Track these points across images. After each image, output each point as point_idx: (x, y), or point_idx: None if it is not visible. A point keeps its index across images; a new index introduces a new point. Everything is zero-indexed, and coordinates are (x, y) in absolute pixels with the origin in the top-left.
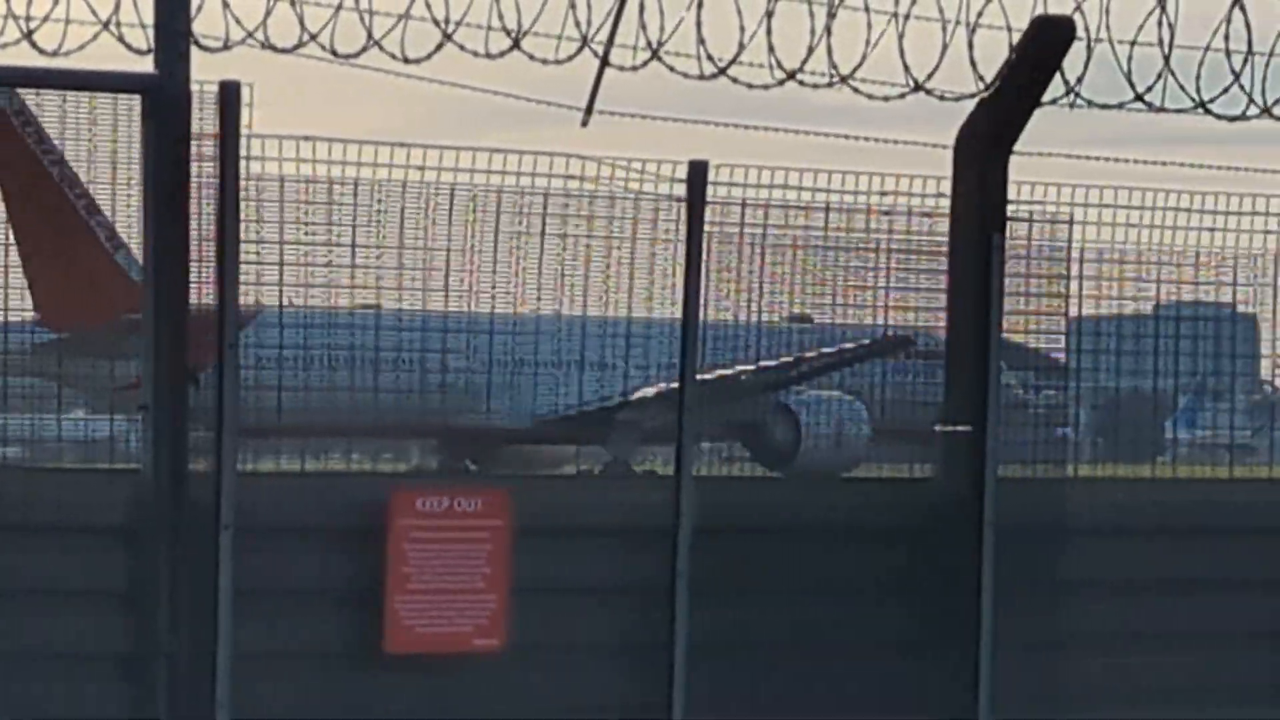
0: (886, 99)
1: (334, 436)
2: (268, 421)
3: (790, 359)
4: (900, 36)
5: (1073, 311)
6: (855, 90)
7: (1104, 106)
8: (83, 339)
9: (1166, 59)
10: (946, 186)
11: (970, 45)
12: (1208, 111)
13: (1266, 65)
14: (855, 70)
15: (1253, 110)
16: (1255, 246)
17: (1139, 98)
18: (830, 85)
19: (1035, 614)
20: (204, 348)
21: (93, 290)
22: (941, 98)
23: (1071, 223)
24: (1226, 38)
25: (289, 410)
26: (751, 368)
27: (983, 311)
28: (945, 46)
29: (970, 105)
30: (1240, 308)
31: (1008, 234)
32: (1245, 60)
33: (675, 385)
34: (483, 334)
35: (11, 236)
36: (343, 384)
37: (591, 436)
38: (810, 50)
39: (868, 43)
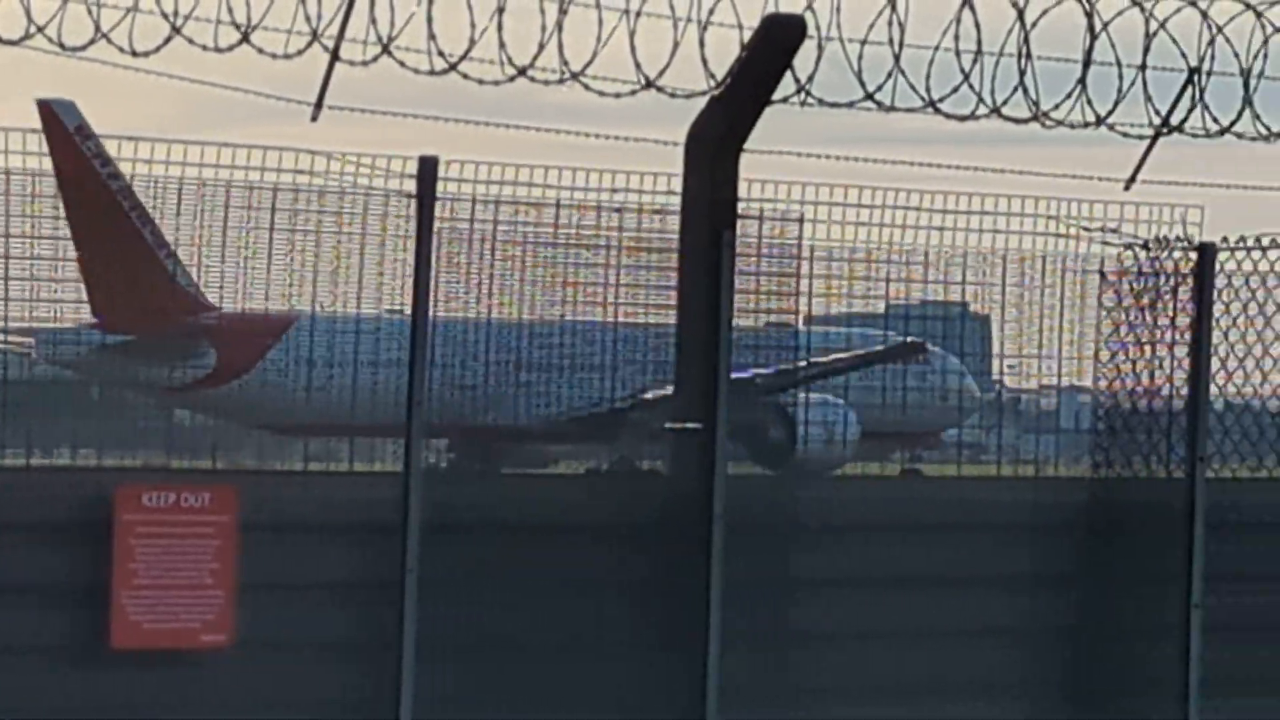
0: (618, 96)
1: (342, 436)
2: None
3: (804, 363)
4: (631, 34)
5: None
6: (586, 87)
7: (834, 105)
8: (149, 343)
9: (897, 58)
10: (678, 184)
11: (701, 43)
12: (938, 111)
13: (996, 65)
14: (586, 67)
15: (982, 110)
16: (984, 246)
17: (869, 96)
18: (561, 82)
19: (766, 611)
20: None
21: (148, 295)
22: (673, 95)
23: (802, 220)
24: (956, 38)
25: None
26: (763, 371)
27: (713, 308)
28: (676, 44)
29: (702, 103)
30: (975, 307)
31: (738, 231)
32: (975, 60)
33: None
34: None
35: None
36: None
37: (603, 436)
38: (541, 47)
39: (599, 40)
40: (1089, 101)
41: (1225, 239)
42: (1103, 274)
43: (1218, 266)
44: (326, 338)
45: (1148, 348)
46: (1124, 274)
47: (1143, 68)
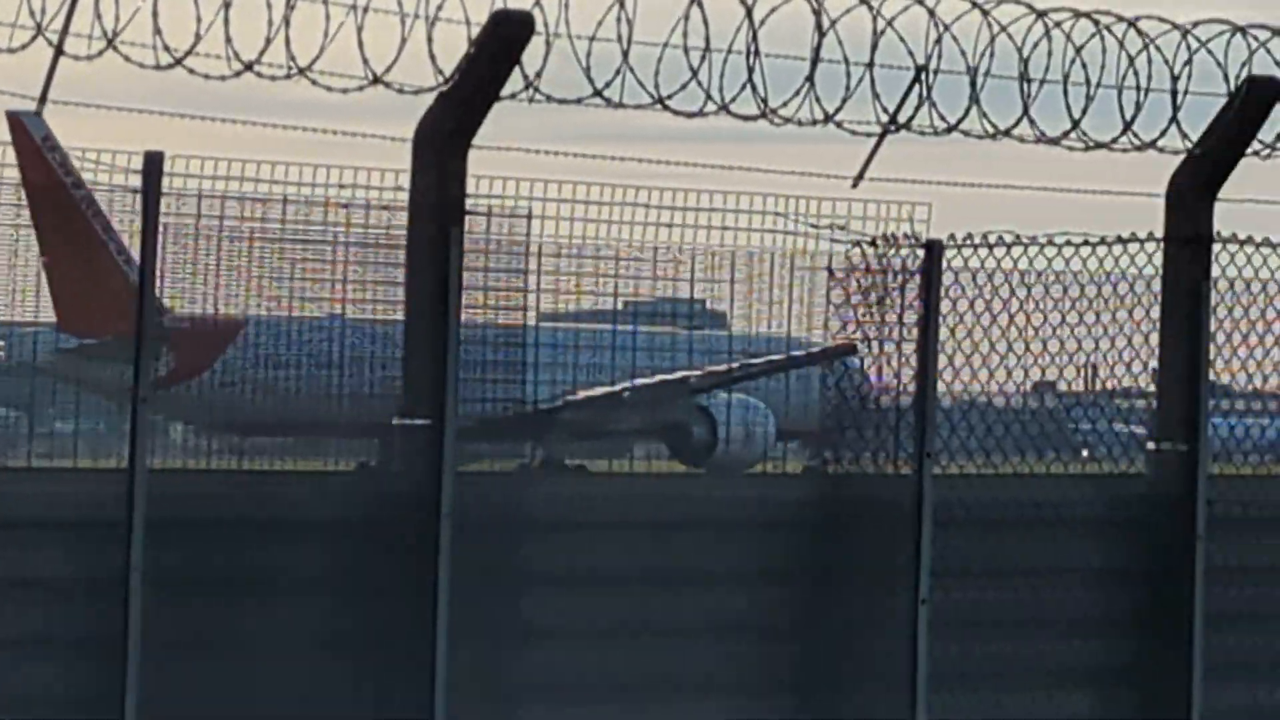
0: (345, 91)
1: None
2: None
3: (736, 365)
4: (359, 29)
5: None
6: (314, 83)
7: (563, 101)
8: (107, 345)
9: (625, 55)
10: (406, 180)
11: (429, 39)
12: (666, 108)
13: (724, 62)
14: (314, 62)
15: (711, 107)
16: (714, 243)
17: (598, 93)
18: (289, 77)
19: (496, 608)
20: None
21: (108, 300)
22: (401, 91)
23: (530, 217)
24: (685, 35)
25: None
26: (684, 375)
27: (441, 304)
28: (404, 40)
29: (430, 99)
30: (715, 305)
31: (467, 228)
32: (703, 57)
33: (609, 389)
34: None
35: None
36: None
37: (530, 435)
38: (268, 41)
39: (326, 34)
40: (817, 99)
41: (952, 236)
42: (831, 271)
43: (945, 264)
44: (277, 340)
45: (875, 345)
46: (852, 271)
47: (870, 65)
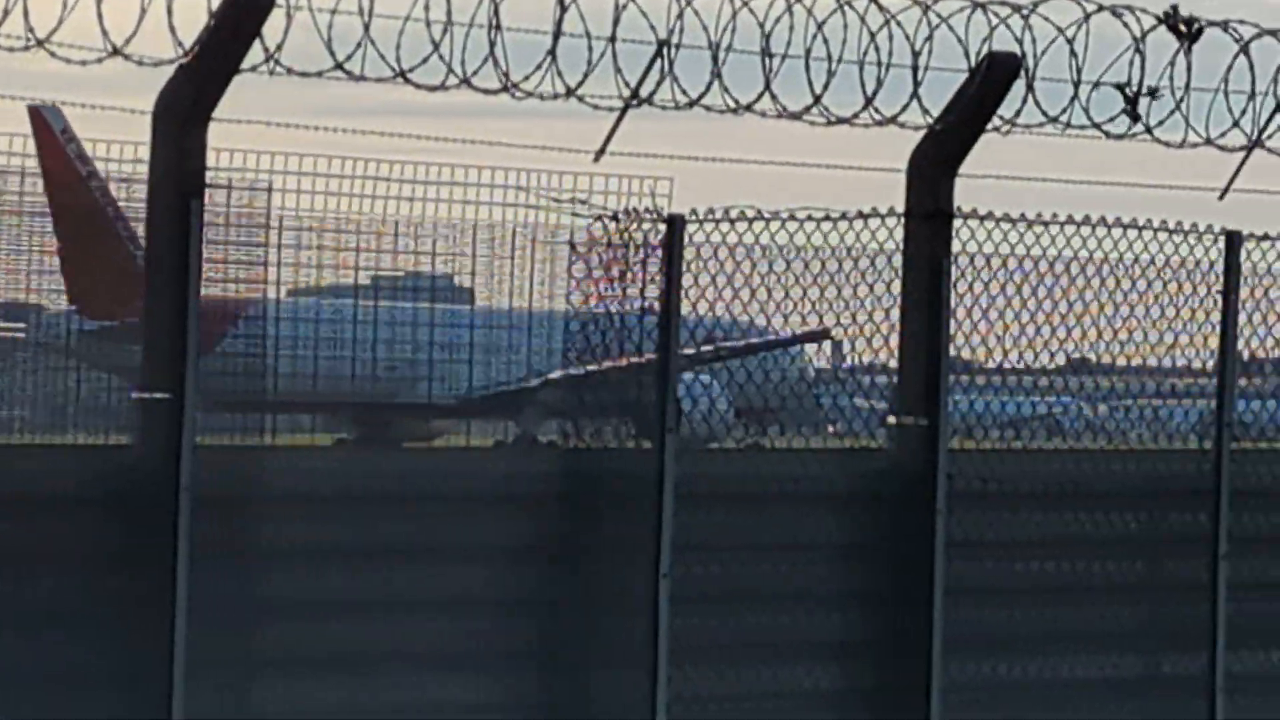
0: (84, 64)
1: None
2: None
3: (711, 346)
4: (98, 1)
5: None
6: (53, 54)
7: (303, 74)
8: (129, 329)
9: (366, 28)
10: (146, 153)
11: (169, 10)
12: (408, 81)
13: (466, 36)
14: (52, 34)
15: (452, 81)
16: (455, 217)
17: (339, 66)
18: (27, 49)
19: (234, 583)
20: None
21: (120, 284)
22: (140, 63)
23: (270, 190)
24: (426, 8)
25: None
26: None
27: (182, 280)
28: (144, 11)
29: (170, 71)
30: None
31: (207, 200)
32: (445, 31)
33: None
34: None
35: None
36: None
37: (507, 413)
38: (6, 13)
39: (65, 6)
40: (559, 74)
41: (694, 211)
42: (573, 245)
43: (687, 238)
44: (273, 323)
45: (618, 319)
46: (594, 246)
47: (613, 40)
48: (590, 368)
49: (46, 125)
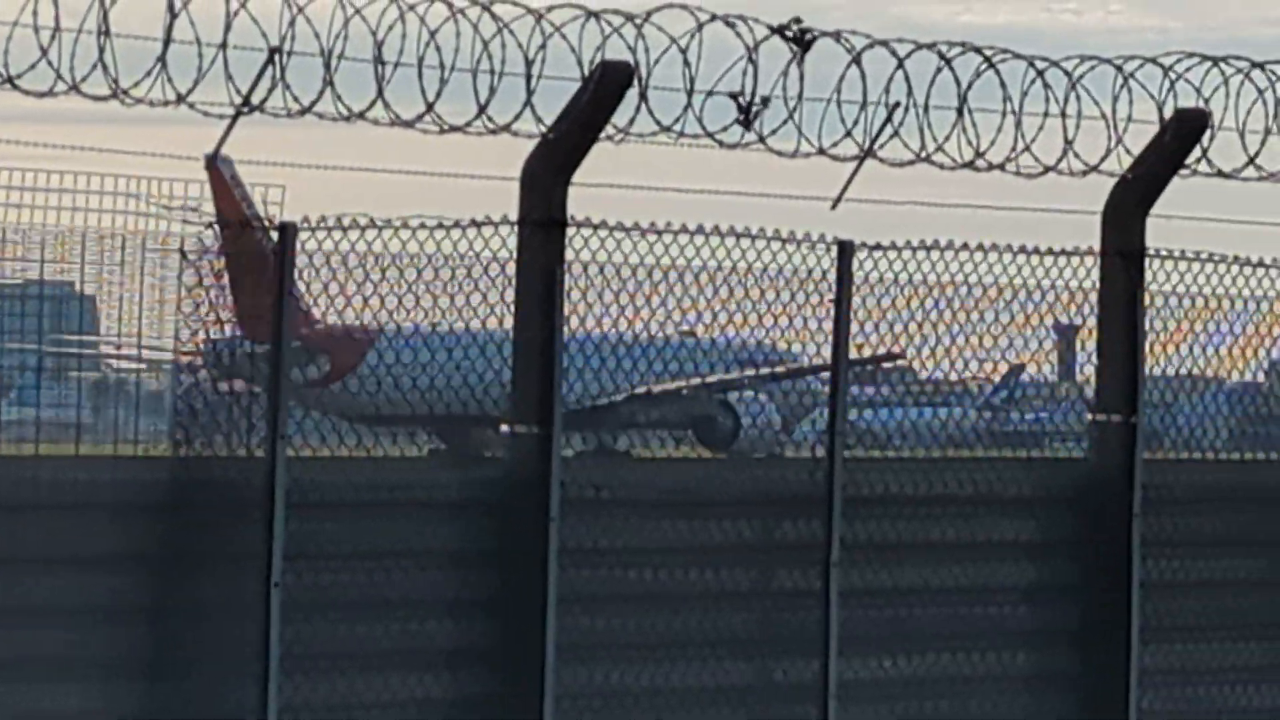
0: None
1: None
2: None
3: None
4: None
5: None
6: None
7: None
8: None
9: None
10: None
11: None
12: (15, 87)
13: (75, 42)
14: None
15: (61, 87)
16: (64, 224)
17: None
18: None
19: None
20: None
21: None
22: None
23: None
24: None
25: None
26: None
27: None
28: None
29: None
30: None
31: None
32: (53, 37)
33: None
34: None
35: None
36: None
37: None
38: None
39: None
40: (170, 80)
41: (306, 219)
42: (184, 253)
43: (299, 246)
44: (405, 348)
45: (228, 326)
46: (205, 253)
47: (224, 46)
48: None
49: (220, 174)
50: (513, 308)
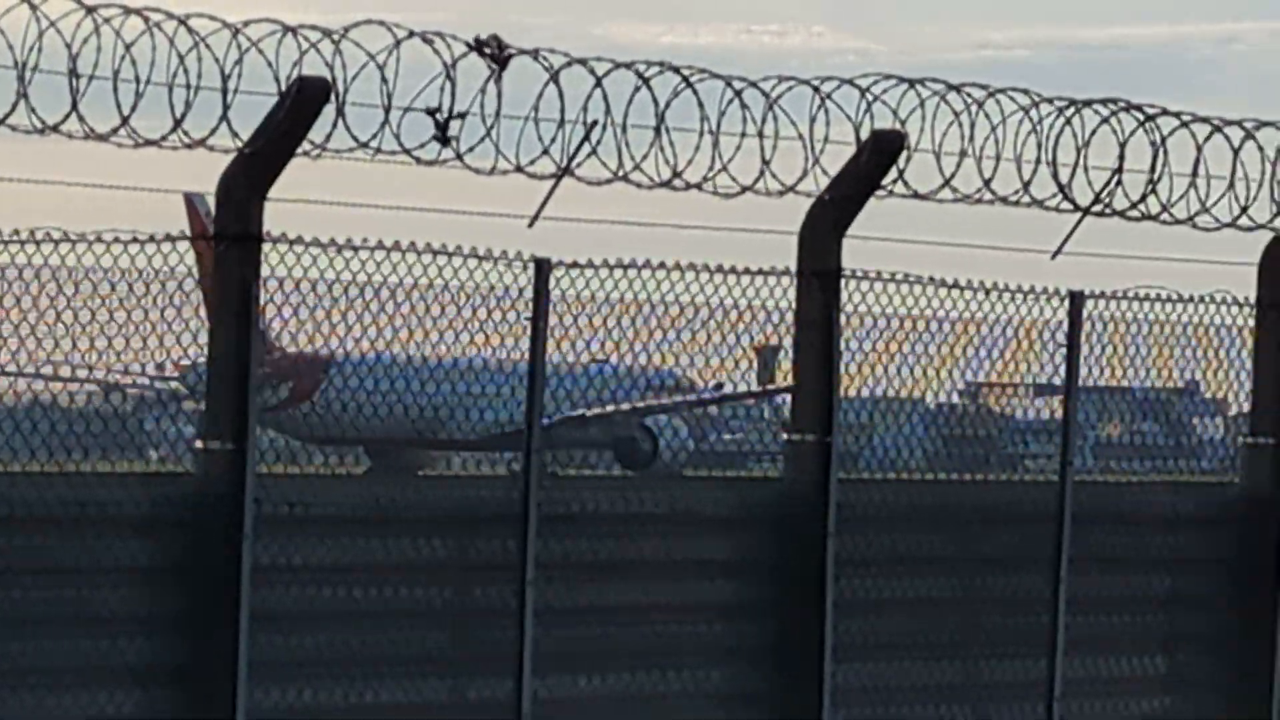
0: None
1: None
2: None
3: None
4: None
5: None
6: None
7: None
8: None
9: None
10: None
11: None
12: None
13: None
14: None
15: None
16: None
17: None
18: None
19: None
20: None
21: None
22: None
23: None
24: None
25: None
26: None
27: None
28: None
29: None
30: None
31: None
32: None
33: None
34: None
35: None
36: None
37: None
38: None
39: None
40: None
41: None
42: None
43: None
44: (353, 373)
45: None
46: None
47: None
48: None
49: (196, 212)
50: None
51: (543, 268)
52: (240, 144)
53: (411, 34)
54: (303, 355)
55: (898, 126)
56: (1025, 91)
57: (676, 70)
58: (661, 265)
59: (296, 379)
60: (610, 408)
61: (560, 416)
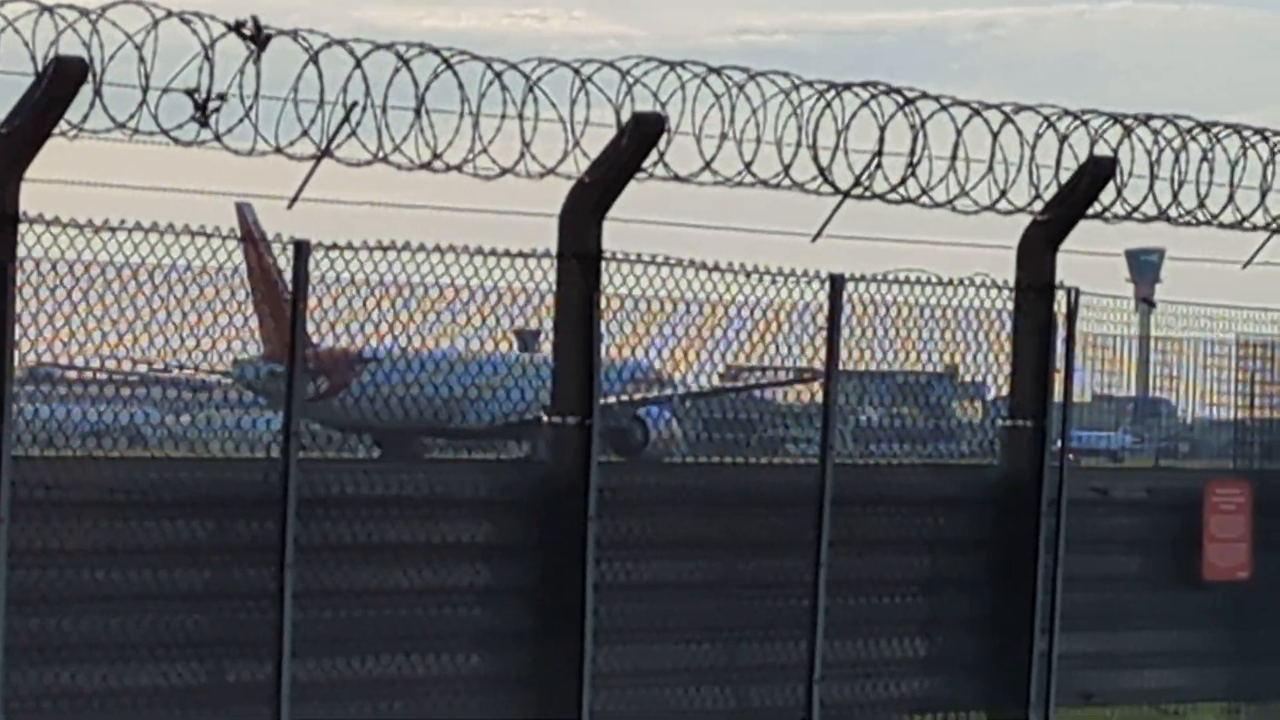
0: None
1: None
2: None
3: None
4: None
5: None
6: None
7: None
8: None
9: None
10: None
11: None
12: None
13: None
14: None
15: None
16: None
17: None
18: None
19: None
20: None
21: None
22: None
23: None
24: None
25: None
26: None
27: None
28: None
29: None
30: None
31: None
32: None
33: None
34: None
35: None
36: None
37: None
38: None
39: None
40: None
41: None
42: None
43: None
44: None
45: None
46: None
47: None
48: None
49: (245, 219)
50: None
51: (302, 249)
52: None
53: (170, 14)
54: (333, 350)
55: (658, 109)
56: (786, 75)
57: (436, 52)
58: (421, 247)
59: (331, 373)
60: (612, 399)
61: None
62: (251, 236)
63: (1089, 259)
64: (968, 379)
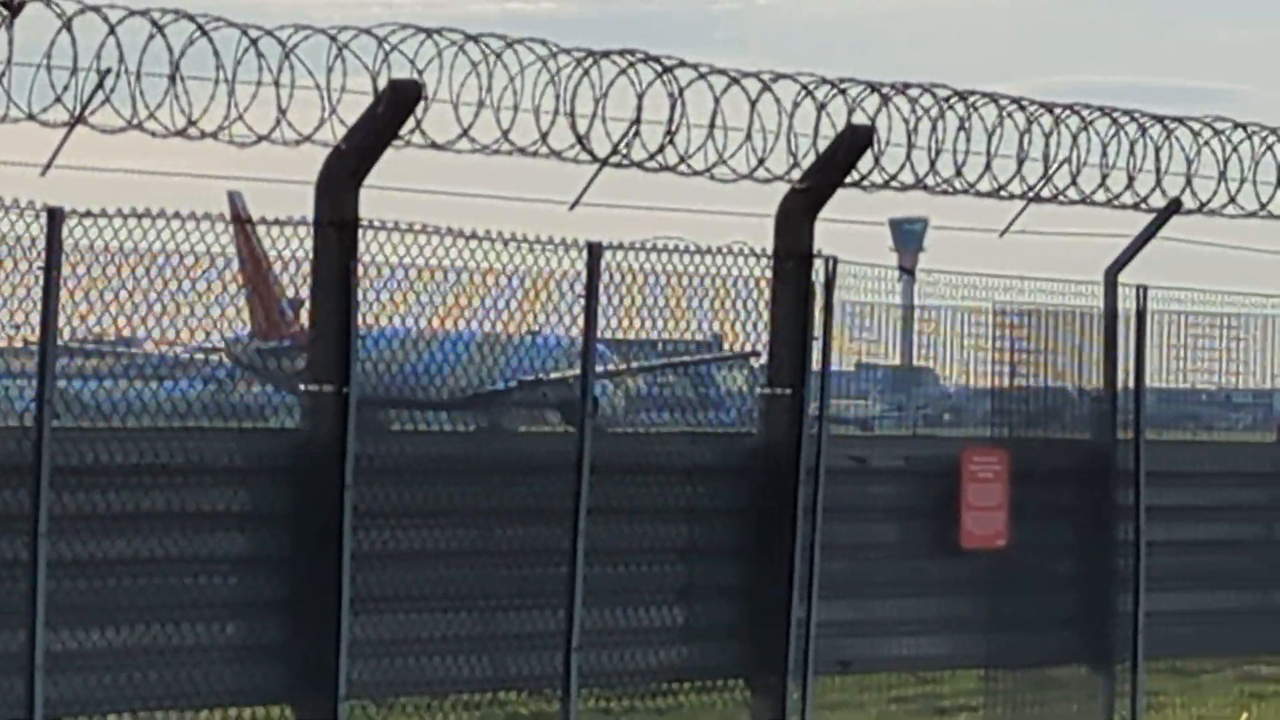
0: None
1: None
2: None
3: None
4: None
5: None
6: None
7: None
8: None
9: None
10: None
11: None
12: None
13: None
14: None
15: None
16: None
17: None
18: None
19: None
20: None
21: (277, 316)
22: None
23: None
24: None
25: None
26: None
27: None
28: None
29: None
30: None
31: None
32: None
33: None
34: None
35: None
36: None
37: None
38: None
39: None
40: None
41: None
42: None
43: None
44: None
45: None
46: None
47: None
48: None
49: (235, 207)
50: None
51: (55, 216)
52: None
53: None
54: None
55: (415, 77)
56: (544, 42)
57: (191, 18)
58: (176, 215)
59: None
60: (568, 373)
61: (518, 380)
62: (241, 222)
63: (852, 228)
64: (730, 348)
